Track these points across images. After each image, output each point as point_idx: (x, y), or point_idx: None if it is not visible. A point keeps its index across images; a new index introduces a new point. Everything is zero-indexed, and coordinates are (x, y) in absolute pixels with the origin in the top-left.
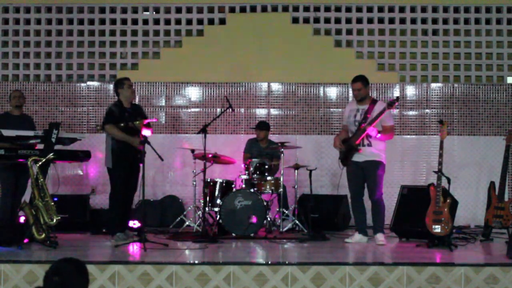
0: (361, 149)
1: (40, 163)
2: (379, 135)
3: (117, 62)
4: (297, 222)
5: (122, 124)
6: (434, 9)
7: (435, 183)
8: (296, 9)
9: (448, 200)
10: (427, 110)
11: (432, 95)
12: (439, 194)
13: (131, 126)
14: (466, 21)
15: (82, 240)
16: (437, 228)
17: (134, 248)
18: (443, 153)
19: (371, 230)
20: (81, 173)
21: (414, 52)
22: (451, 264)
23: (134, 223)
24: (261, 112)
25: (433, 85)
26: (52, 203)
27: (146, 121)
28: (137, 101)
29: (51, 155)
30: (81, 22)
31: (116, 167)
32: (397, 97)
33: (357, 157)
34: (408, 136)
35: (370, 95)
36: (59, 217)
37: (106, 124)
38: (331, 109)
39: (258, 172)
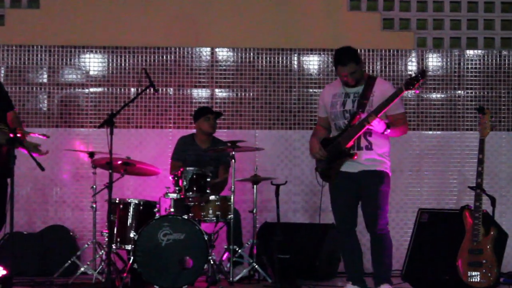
0: (357, 154)
1: None
2: (388, 130)
3: None
4: (256, 267)
5: None
6: None
7: (471, 205)
8: None
9: (492, 232)
10: (459, 92)
11: (467, 68)
12: (479, 223)
13: None
14: None
15: None
16: (475, 276)
17: None
18: (484, 159)
19: (371, 279)
20: None
21: (440, 0)
22: None
23: None
24: (200, 93)
25: (469, 52)
26: None
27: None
28: (2, 75)
29: None
30: None
31: None
32: (423, 71)
33: (349, 166)
34: (430, 132)
35: (363, 70)
36: None
37: None
38: (310, 90)
39: (195, 188)
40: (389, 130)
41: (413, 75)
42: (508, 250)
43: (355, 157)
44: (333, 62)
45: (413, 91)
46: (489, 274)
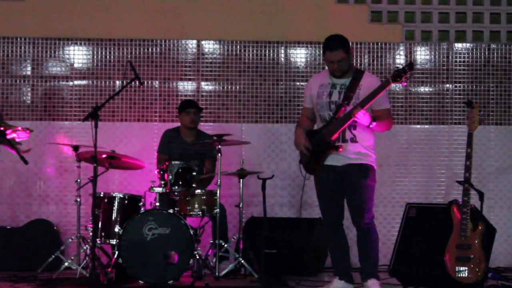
0: (342, 146)
1: None
2: (373, 123)
3: None
4: (242, 261)
5: None
6: None
7: (459, 200)
8: None
9: (480, 227)
10: (447, 86)
11: (455, 62)
12: (467, 218)
13: None
14: None
15: None
16: (463, 271)
17: None
18: (472, 153)
19: (358, 274)
20: None
21: None
22: None
23: None
24: (186, 86)
25: (458, 45)
26: None
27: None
28: None
29: None
30: None
31: None
32: (411, 63)
33: (334, 159)
34: (418, 126)
35: (351, 63)
36: None
37: None
38: (297, 83)
39: (180, 183)
40: (374, 123)
41: (401, 67)
42: (496, 245)
43: (340, 149)
44: (322, 49)
45: (400, 83)
46: (477, 269)
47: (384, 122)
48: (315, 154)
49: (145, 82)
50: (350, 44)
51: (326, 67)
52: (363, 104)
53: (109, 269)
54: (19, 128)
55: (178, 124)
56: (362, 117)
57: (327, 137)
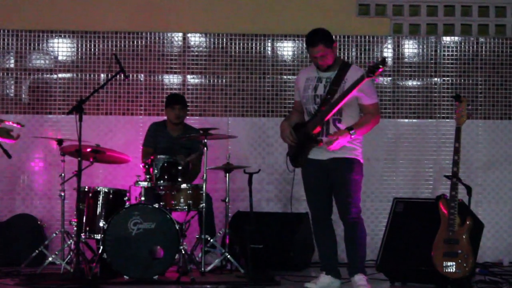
0: (322, 140)
1: None
2: (354, 133)
3: None
4: (228, 257)
5: None
6: None
7: (447, 194)
8: None
9: (468, 222)
10: (435, 79)
11: (444, 55)
12: (454, 213)
13: None
14: None
15: None
16: (450, 267)
17: None
18: (460, 147)
19: (345, 269)
20: None
21: None
22: None
23: None
24: (172, 79)
25: (446, 39)
26: None
27: None
28: None
29: None
30: None
31: None
32: (383, 59)
33: (318, 153)
34: (405, 120)
35: (339, 56)
36: None
37: None
38: (284, 76)
39: (166, 177)
40: (352, 131)
41: (374, 62)
42: (484, 240)
43: (321, 144)
44: (305, 44)
45: (375, 78)
46: (465, 264)
47: (368, 123)
48: (300, 147)
49: (130, 75)
50: (334, 37)
51: None
52: (331, 108)
53: (94, 264)
54: (10, 122)
55: (165, 117)
56: (343, 138)
57: (309, 131)
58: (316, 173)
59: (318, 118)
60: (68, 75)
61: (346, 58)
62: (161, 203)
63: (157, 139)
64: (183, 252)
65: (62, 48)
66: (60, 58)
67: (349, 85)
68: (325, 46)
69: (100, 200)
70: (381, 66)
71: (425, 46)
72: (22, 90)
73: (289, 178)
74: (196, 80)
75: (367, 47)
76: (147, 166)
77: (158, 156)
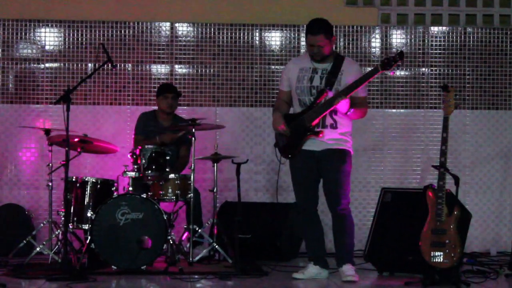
0: (323, 132)
1: None
2: (351, 110)
3: None
4: (216, 247)
5: None
6: None
7: (435, 185)
8: None
9: (455, 212)
10: (423, 69)
11: (431, 45)
12: (442, 203)
13: None
14: None
15: None
16: (438, 257)
17: None
18: (448, 137)
19: (333, 259)
20: None
21: None
22: None
23: None
24: (160, 69)
25: (434, 29)
26: None
27: None
28: None
29: None
30: None
31: None
32: (401, 52)
33: (313, 144)
34: (393, 111)
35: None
36: None
37: None
38: (272, 66)
39: (154, 167)
40: (352, 110)
41: (391, 55)
42: (472, 230)
43: (321, 135)
44: (305, 30)
45: (389, 72)
46: (452, 254)
47: (360, 110)
48: (294, 139)
49: (118, 65)
50: (333, 30)
51: (304, 51)
52: (347, 92)
53: (82, 254)
54: None
55: (154, 107)
56: (344, 104)
57: (307, 122)
58: (306, 164)
59: (317, 110)
60: (55, 64)
61: (333, 48)
62: (149, 193)
63: (147, 129)
64: (171, 242)
65: (49, 37)
66: (47, 47)
67: (348, 76)
68: (325, 37)
69: (88, 190)
70: (399, 59)
71: (413, 36)
72: (9, 79)
73: (277, 168)
74: (184, 70)
75: (355, 37)
76: (135, 156)
77: (146, 146)
